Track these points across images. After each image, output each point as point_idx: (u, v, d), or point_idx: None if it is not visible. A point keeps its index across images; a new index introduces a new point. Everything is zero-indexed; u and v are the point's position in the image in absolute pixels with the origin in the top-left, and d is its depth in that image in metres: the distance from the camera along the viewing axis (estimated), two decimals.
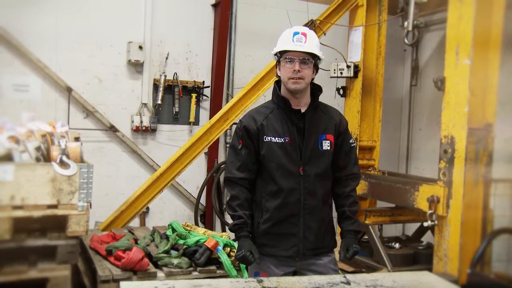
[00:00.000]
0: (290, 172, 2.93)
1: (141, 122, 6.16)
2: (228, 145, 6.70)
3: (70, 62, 5.83)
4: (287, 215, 2.94)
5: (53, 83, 5.77)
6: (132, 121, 6.16)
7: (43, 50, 5.66)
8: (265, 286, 2.29)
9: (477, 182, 4.16)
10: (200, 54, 6.56)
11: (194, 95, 6.46)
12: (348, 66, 5.59)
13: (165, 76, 6.28)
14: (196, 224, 6.28)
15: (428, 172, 6.09)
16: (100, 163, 5.44)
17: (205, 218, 6.62)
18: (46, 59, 5.68)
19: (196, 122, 6.55)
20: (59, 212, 2.85)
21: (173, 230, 4.00)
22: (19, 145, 2.87)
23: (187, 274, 3.43)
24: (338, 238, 3.09)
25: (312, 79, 3.00)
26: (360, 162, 5.71)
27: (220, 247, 3.57)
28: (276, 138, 2.93)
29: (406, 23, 5.56)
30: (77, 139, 3.32)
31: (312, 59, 2.93)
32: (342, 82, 5.88)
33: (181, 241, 3.74)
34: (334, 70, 5.66)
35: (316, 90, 3.07)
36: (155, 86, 6.30)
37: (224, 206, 6.67)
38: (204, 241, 3.64)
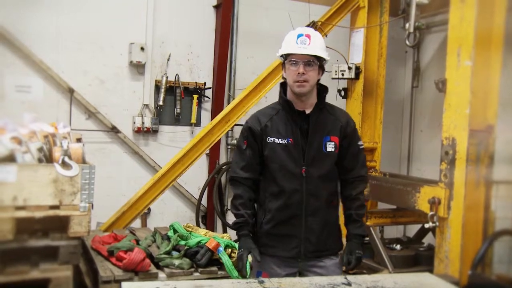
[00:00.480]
0: (293, 174, 2.94)
1: (143, 123, 6.18)
2: (229, 146, 6.72)
3: (72, 63, 5.84)
4: (289, 216, 2.95)
5: (55, 84, 5.79)
6: (134, 122, 6.17)
7: (45, 51, 5.68)
8: (266, 287, 2.29)
9: (479, 184, 4.16)
10: (201, 55, 6.57)
11: (195, 96, 6.47)
12: (349, 68, 5.59)
13: (167, 77, 6.29)
14: (198, 225, 6.28)
15: (430, 174, 6.08)
16: (102, 164, 5.42)
17: (206, 219, 6.62)
18: (48, 60, 5.70)
19: (198, 123, 6.55)
20: (61, 212, 2.85)
21: (175, 231, 4.00)
22: (21, 146, 2.88)
23: (188, 275, 3.43)
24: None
25: (318, 80, 3.00)
26: None
27: (221, 248, 3.57)
28: (280, 140, 2.95)
29: (407, 25, 5.56)
30: (79, 140, 3.33)
31: (317, 61, 2.94)
32: (343, 84, 5.88)
33: (183, 242, 3.74)
34: (336, 71, 5.66)
35: (322, 91, 3.06)
36: (157, 87, 6.31)
37: (226, 207, 6.68)
38: (206, 242, 3.64)
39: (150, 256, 3.52)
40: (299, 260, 2.98)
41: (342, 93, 5.85)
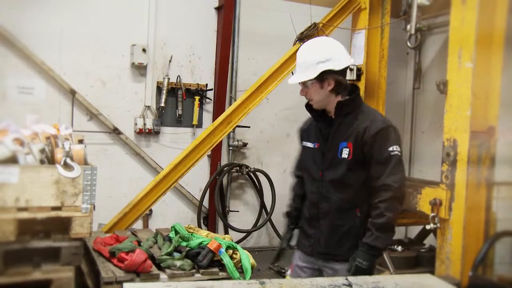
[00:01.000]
0: (313, 177, 3.08)
1: (145, 124, 6.19)
2: (231, 148, 6.73)
3: (74, 65, 5.87)
4: (309, 216, 3.12)
5: (57, 86, 5.81)
6: (136, 124, 6.18)
7: (47, 53, 5.70)
8: None
9: (480, 185, 4.16)
10: (203, 56, 6.58)
11: (197, 98, 6.49)
12: (351, 69, 5.60)
13: (169, 78, 6.30)
14: (199, 226, 6.30)
15: (431, 175, 6.08)
16: (103, 166, 5.44)
17: (208, 220, 6.63)
18: (50, 62, 5.72)
19: (199, 125, 6.57)
20: (63, 214, 2.86)
21: (176, 232, 4.00)
22: (23, 147, 2.88)
23: (189, 276, 3.43)
24: None
25: (332, 89, 2.94)
26: None
27: (222, 249, 3.57)
28: (309, 144, 3.13)
29: (408, 26, 5.57)
30: (81, 141, 3.33)
31: (308, 82, 2.96)
32: None
33: (184, 243, 3.74)
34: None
35: (354, 97, 3.00)
36: (159, 89, 6.32)
37: (227, 208, 6.68)
38: (207, 243, 3.65)
39: (151, 257, 3.52)
40: (314, 258, 3.09)
41: None
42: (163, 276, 3.40)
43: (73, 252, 2.91)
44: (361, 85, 5.65)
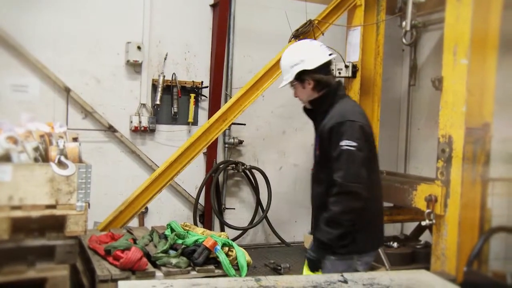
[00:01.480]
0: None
1: (140, 122, 6.17)
2: (226, 145, 6.72)
3: (68, 63, 5.84)
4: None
5: (52, 84, 5.78)
6: (131, 122, 6.16)
7: (41, 51, 5.67)
8: (263, 285, 2.29)
9: (475, 181, 4.18)
10: (198, 54, 6.57)
11: (192, 95, 6.47)
12: (346, 66, 5.60)
13: (164, 76, 6.28)
14: (195, 224, 6.29)
15: (427, 172, 6.10)
16: (99, 164, 5.44)
17: (203, 218, 6.63)
18: (45, 60, 5.69)
19: (195, 122, 6.55)
20: (57, 212, 2.85)
21: (172, 230, 4.00)
22: (17, 146, 2.87)
23: (185, 274, 3.43)
24: None
25: (313, 88, 3.07)
26: None
27: (218, 247, 3.58)
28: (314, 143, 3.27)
29: (404, 23, 5.58)
30: (75, 139, 3.33)
31: (290, 84, 3.15)
32: None
33: (180, 241, 3.74)
34: (332, 70, 5.66)
35: (329, 92, 3.08)
36: (154, 87, 6.30)
37: (223, 206, 6.68)
38: (203, 241, 3.65)
39: (147, 255, 3.52)
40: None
41: None
42: (158, 273, 3.40)
43: (68, 251, 2.91)
44: (357, 82, 5.65)
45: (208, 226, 6.52)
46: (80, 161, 3.04)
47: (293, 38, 5.55)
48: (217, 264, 3.59)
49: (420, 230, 5.67)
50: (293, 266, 5.79)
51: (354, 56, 5.73)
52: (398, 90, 7.60)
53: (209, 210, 6.59)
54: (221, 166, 6.58)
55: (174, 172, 5.08)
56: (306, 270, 3.19)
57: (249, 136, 6.84)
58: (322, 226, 2.89)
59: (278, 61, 5.48)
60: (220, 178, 6.69)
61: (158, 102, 6.23)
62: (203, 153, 6.36)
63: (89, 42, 5.94)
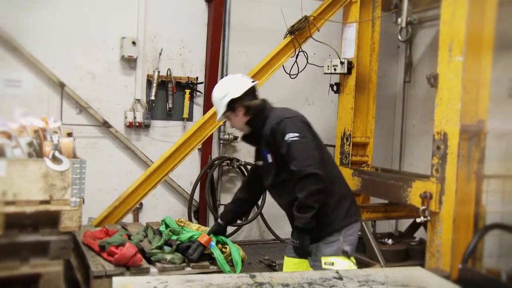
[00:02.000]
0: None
1: (135, 118, 6.15)
2: (221, 141, 6.71)
3: (63, 58, 5.81)
4: None
5: (46, 79, 5.75)
6: (126, 117, 6.14)
7: (36, 45, 5.64)
8: (257, 281, 2.29)
9: (470, 179, 4.18)
10: (193, 50, 6.55)
11: (187, 91, 6.45)
12: (341, 63, 5.59)
13: (159, 72, 6.26)
14: (190, 220, 6.28)
15: (422, 169, 6.11)
16: (93, 159, 5.41)
17: (198, 214, 6.62)
18: (39, 54, 5.66)
19: (190, 118, 6.54)
20: (51, 207, 2.83)
21: (167, 226, 3.99)
22: (11, 141, 2.86)
23: (180, 270, 3.42)
24: None
25: (245, 113, 3.33)
26: (354, 158, 5.73)
27: (213, 243, 3.57)
28: (259, 162, 3.48)
29: (399, 20, 5.58)
30: (69, 134, 3.31)
31: (223, 116, 3.40)
32: (335, 79, 5.88)
33: (174, 237, 3.73)
34: (328, 66, 5.67)
35: (255, 115, 3.33)
36: (149, 82, 6.28)
37: (218, 202, 6.67)
38: (197, 237, 3.64)
39: (141, 251, 3.50)
40: None
41: (335, 88, 5.85)
42: (153, 269, 3.39)
43: (62, 246, 2.90)
44: (352, 78, 5.65)
45: (203, 222, 6.51)
46: (75, 156, 3.02)
47: (288, 34, 5.53)
48: (212, 260, 3.59)
49: (415, 227, 5.68)
50: None
51: (349, 52, 5.72)
52: (393, 87, 7.60)
53: (203, 206, 6.59)
54: (216, 162, 6.58)
55: (169, 168, 5.07)
56: (286, 267, 3.46)
57: None
58: (295, 213, 3.10)
59: (274, 57, 5.54)
60: (215, 174, 6.69)
61: (153, 98, 6.21)
62: (198, 149, 6.35)
63: (84, 37, 5.91)
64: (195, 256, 3.51)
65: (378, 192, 5.17)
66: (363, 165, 5.83)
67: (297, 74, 5.66)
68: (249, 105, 3.31)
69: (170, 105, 6.37)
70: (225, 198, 6.81)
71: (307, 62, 5.67)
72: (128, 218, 5.48)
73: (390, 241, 5.33)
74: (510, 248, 4.00)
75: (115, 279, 2.29)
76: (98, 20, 5.97)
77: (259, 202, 6.74)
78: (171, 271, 3.38)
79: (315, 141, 3.21)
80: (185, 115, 6.47)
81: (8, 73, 5.56)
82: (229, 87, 3.35)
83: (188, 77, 6.48)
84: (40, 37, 5.68)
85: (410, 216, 5.35)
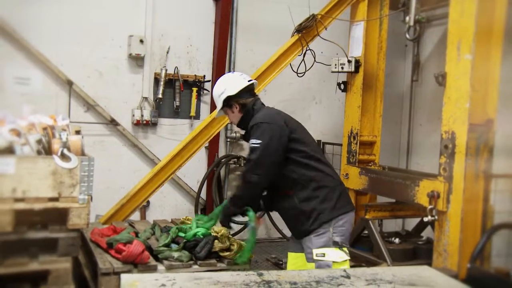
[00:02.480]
0: None
1: (142, 116, 6.17)
2: (228, 139, 6.71)
3: (71, 56, 5.83)
4: None
5: (54, 77, 5.78)
6: (133, 115, 6.16)
7: (44, 44, 5.66)
8: (265, 279, 2.29)
9: (478, 178, 4.16)
10: (201, 48, 6.55)
11: (195, 89, 6.46)
12: (349, 61, 5.58)
13: (166, 70, 6.27)
14: None
15: (429, 168, 6.09)
16: (101, 157, 5.41)
17: (205, 212, 6.63)
18: (47, 53, 5.68)
19: (197, 116, 6.55)
20: (60, 205, 2.84)
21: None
22: (20, 138, 2.87)
23: (187, 267, 3.43)
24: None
25: (240, 110, 3.54)
26: (361, 157, 5.72)
27: (253, 224, 3.61)
28: None
29: (407, 18, 5.54)
30: (78, 132, 3.32)
31: (222, 111, 3.63)
32: (343, 77, 5.87)
33: (182, 235, 3.74)
34: (335, 65, 5.65)
35: (245, 111, 3.54)
36: (156, 80, 6.29)
37: (225, 200, 6.67)
38: (202, 234, 3.66)
39: (149, 248, 3.52)
40: None
41: (342, 86, 5.84)
42: (160, 267, 3.40)
43: (70, 243, 2.90)
44: (359, 77, 5.63)
45: None
46: (83, 154, 3.03)
47: (296, 33, 5.53)
48: (219, 258, 3.60)
49: (422, 226, 5.66)
50: None
51: (357, 51, 5.70)
52: (400, 86, 7.58)
53: (210, 204, 6.59)
54: (222, 160, 6.58)
55: (176, 166, 5.07)
56: (290, 265, 3.52)
57: None
58: (234, 192, 3.58)
59: (281, 55, 5.54)
60: (222, 172, 6.69)
61: (160, 96, 6.22)
62: (205, 147, 6.36)
63: (92, 35, 5.93)
64: (202, 254, 3.51)
65: (385, 191, 5.15)
66: (370, 164, 5.82)
67: (305, 72, 5.65)
68: (244, 103, 3.54)
69: (177, 103, 6.38)
70: None
71: (315, 60, 5.66)
72: (135, 216, 5.50)
73: (397, 240, 5.32)
74: None
75: (123, 277, 2.30)
76: (106, 18, 5.98)
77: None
78: (179, 269, 3.39)
79: (279, 150, 3.31)
80: (192, 113, 6.48)
81: (17, 71, 5.59)
82: (227, 85, 3.56)
83: (196, 75, 6.48)
84: (48, 35, 5.70)
85: (417, 215, 5.33)
